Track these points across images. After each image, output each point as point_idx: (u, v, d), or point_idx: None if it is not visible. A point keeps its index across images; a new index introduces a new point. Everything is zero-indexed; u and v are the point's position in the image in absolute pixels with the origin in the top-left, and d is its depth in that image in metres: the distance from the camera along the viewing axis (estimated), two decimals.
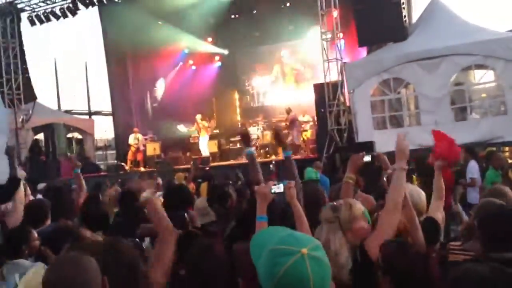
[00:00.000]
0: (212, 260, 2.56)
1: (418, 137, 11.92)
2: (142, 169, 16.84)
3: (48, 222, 4.37)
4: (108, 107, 22.21)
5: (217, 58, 20.74)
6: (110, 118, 21.43)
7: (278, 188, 2.94)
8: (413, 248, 2.32)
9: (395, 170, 2.74)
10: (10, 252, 3.45)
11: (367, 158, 3.00)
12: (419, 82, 12.21)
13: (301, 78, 19.54)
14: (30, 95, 17.05)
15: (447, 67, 11.81)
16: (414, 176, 6.94)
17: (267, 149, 16.67)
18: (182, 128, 18.18)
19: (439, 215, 3.49)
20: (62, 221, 4.39)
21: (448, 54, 11.72)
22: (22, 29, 17.17)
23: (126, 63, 20.28)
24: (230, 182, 7.12)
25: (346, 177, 3.11)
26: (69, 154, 17.19)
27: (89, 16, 27.81)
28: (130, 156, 17.48)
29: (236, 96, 20.96)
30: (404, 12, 12.62)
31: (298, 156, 14.10)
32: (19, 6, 16.96)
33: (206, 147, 16.93)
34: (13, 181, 4.93)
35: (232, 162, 16.08)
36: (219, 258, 2.55)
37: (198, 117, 17.10)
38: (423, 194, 3.45)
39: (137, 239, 4.02)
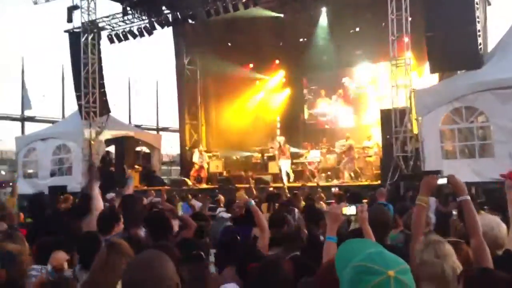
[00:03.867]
0: (280, 274, 2.57)
1: (490, 170, 11.34)
2: (204, 185, 17.16)
3: (119, 229, 4.54)
4: (175, 124, 22.97)
5: (283, 80, 20.93)
6: (176, 134, 22.10)
7: (350, 210, 2.92)
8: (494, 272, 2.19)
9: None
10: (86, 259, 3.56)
11: (443, 181, 2.86)
12: (493, 112, 11.70)
13: (367, 103, 19.31)
14: (104, 109, 17.98)
15: None
16: (482, 211, 6.63)
17: (328, 173, 16.60)
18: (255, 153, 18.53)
19: None
20: (132, 230, 4.55)
21: None
22: (101, 46, 18.25)
23: (196, 82, 20.95)
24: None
25: (419, 199, 2.95)
26: (136, 166, 17.85)
27: (163, 35, 29.08)
28: (193, 172, 17.89)
29: (301, 118, 20.97)
30: (480, 40, 12.22)
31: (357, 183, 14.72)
32: (100, 24, 18.05)
33: (289, 170, 16.31)
34: (86, 198, 5.54)
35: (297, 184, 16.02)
36: (287, 274, 2.55)
37: (281, 139, 17.02)
38: (503, 226, 3.23)
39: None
